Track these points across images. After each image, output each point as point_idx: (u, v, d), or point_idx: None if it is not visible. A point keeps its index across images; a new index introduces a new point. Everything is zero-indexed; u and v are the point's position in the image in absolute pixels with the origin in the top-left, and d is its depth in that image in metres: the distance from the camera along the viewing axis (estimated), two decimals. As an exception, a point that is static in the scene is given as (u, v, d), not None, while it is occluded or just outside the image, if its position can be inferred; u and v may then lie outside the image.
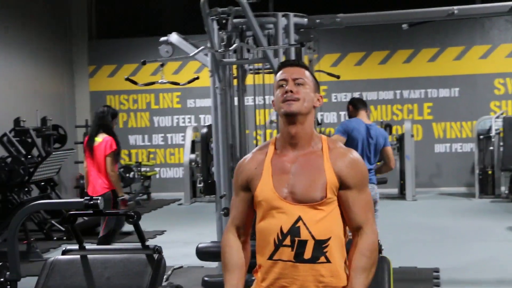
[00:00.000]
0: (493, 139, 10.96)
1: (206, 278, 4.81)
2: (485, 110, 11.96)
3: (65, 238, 8.14)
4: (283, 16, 5.45)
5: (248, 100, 6.32)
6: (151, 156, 13.18)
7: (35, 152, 9.24)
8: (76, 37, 13.38)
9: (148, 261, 2.89)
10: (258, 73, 6.21)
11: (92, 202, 2.90)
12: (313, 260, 2.27)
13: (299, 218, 2.27)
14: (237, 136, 5.82)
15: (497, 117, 11.22)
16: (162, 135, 13.34)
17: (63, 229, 8.28)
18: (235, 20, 5.26)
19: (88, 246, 3.06)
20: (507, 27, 12.11)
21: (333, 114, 12.73)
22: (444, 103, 12.36)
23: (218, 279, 4.83)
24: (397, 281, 5.69)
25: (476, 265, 6.41)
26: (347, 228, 2.39)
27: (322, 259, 2.28)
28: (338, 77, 6.90)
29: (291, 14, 5.49)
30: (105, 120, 6.06)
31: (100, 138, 5.97)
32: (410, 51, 12.48)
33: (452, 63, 12.32)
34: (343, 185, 2.32)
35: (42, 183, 9.10)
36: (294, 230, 2.27)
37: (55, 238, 8.27)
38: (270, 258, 2.30)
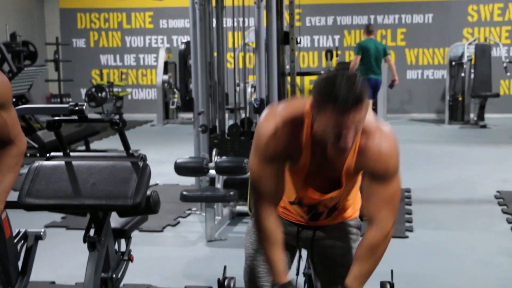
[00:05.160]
0: (464, 66, 11.05)
1: (184, 193, 4.87)
2: (458, 36, 12.00)
3: (38, 155, 8.09)
4: None
5: (227, 22, 6.23)
6: (123, 76, 13.02)
7: (5, 67, 9.05)
8: (45, -49, 12.95)
9: (134, 168, 2.88)
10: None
11: (77, 108, 2.87)
12: (328, 215, 2.38)
13: (319, 203, 2.29)
14: (215, 54, 5.78)
15: (469, 44, 11.28)
16: (134, 55, 13.15)
17: (35, 145, 8.22)
18: None
19: (72, 153, 3.04)
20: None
21: (307, 38, 12.63)
22: (418, 29, 12.35)
23: (196, 194, 4.90)
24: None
25: (445, 185, 6.59)
26: None
27: (336, 211, 2.38)
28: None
29: None
30: None
31: None
32: (386, -25, 12.36)
33: (427, -12, 12.25)
34: (364, 173, 2.19)
35: (14, 99, 8.92)
36: (313, 207, 2.32)
37: (28, 154, 8.22)
38: (291, 203, 2.37)
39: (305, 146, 2.12)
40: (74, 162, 2.93)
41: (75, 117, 2.98)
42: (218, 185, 4.98)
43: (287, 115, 2.13)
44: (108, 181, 2.85)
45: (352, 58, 10.36)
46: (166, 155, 8.11)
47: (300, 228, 2.42)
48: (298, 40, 5.87)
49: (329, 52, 11.67)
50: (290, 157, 2.16)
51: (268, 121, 2.14)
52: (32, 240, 2.98)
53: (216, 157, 5.07)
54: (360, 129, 1.97)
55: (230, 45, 6.64)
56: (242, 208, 5.38)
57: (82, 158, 2.99)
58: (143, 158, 2.92)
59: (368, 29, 9.46)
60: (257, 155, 2.17)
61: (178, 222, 5.38)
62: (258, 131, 2.17)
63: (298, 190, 2.28)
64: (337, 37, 12.52)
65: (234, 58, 7.45)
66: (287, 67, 5.89)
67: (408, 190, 6.23)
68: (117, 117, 11.92)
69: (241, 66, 6.38)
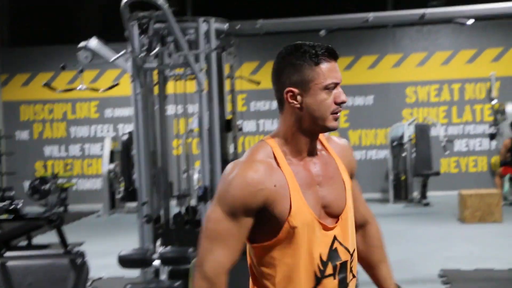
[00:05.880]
0: (405, 146, 11.34)
1: (129, 286, 4.75)
2: (398, 117, 12.37)
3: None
4: (204, 21, 5.48)
5: (170, 110, 6.29)
6: (68, 167, 12.86)
7: None
8: (-13, 45, 12.96)
9: (71, 266, 2.82)
10: (179, 79, 6.20)
11: (11, 207, 2.82)
12: (353, 278, 1.92)
13: (334, 239, 1.86)
14: (159, 143, 5.80)
15: (409, 124, 11.62)
16: (79, 145, 13.05)
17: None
18: (156, 25, 5.24)
19: (7, 253, 2.96)
20: (418, 37, 12.58)
21: (252, 122, 12.82)
22: (359, 110, 12.69)
23: (141, 286, 4.78)
24: None
25: (391, 266, 6.60)
26: None
27: (353, 274, 1.93)
28: (258, 83, 6.97)
29: (212, 19, 5.53)
30: None
31: None
32: (326, 60, 12.74)
33: (367, 71, 12.68)
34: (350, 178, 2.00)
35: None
36: (333, 254, 1.85)
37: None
38: None
39: (285, 171, 1.82)
40: (9, 263, 2.85)
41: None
42: (163, 276, 4.88)
43: (253, 154, 1.84)
44: (45, 281, 2.77)
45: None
46: (112, 246, 7.94)
47: None
48: (240, 127, 5.96)
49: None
50: (277, 202, 1.79)
51: (236, 166, 1.82)
52: None
53: (160, 248, 4.99)
54: None
55: (176, 131, 6.69)
56: (189, 298, 5.26)
57: (17, 258, 2.91)
58: (81, 255, 2.86)
59: None
60: (221, 205, 1.79)
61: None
62: (225, 180, 1.81)
63: (323, 240, 1.84)
64: (281, 121, 12.74)
65: (180, 145, 7.47)
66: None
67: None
68: (61, 209, 11.70)
69: (188, 152, 6.40)
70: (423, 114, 12.54)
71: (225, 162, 5.75)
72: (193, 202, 6.37)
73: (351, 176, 1.99)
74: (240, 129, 5.87)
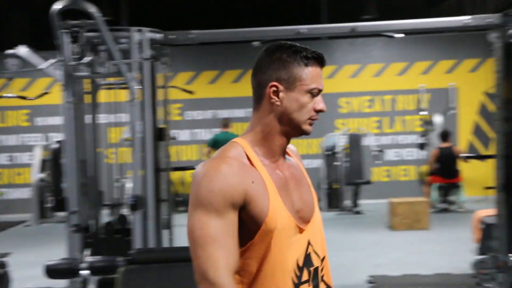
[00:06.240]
0: (338, 155, 11.55)
1: (57, 297, 4.68)
2: (331, 127, 12.60)
3: None
4: (137, 30, 5.46)
5: (103, 118, 6.24)
6: (-4, 176, 12.55)
7: None
8: None
9: (-5, 277, 2.76)
10: (111, 88, 6.16)
11: None
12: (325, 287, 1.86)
13: (308, 243, 1.80)
14: (89, 152, 5.74)
15: (342, 134, 11.85)
16: (8, 154, 12.74)
17: None
18: (88, 34, 5.20)
19: None
20: (350, 49, 12.87)
21: (186, 132, 12.81)
22: (294, 121, 12.83)
23: (70, 297, 4.71)
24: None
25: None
26: None
27: (326, 282, 1.86)
28: (192, 92, 6.99)
29: (145, 29, 5.52)
30: None
31: None
32: (261, 70, 12.87)
33: (301, 82, 12.85)
34: None
35: None
36: (308, 260, 1.79)
37: None
38: None
39: (260, 170, 1.74)
40: None
41: None
42: (91, 286, 4.83)
43: (222, 154, 1.75)
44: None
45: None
46: (40, 256, 7.78)
47: None
48: (173, 136, 5.95)
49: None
50: (255, 200, 1.70)
51: (210, 164, 1.71)
52: None
53: (88, 257, 4.93)
54: None
55: (110, 140, 6.63)
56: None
57: None
58: (2, 265, 2.81)
59: (224, 123, 10.50)
60: (201, 207, 1.66)
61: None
62: (197, 181, 1.69)
63: (297, 241, 1.77)
64: (216, 130, 12.77)
65: (112, 153, 7.41)
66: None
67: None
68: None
69: (121, 161, 6.36)
70: (355, 124, 12.81)
71: (157, 170, 5.74)
72: (125, 211, 6.33)
73: None
74: (173, 138, 5.87)
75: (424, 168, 12.03)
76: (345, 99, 12.91)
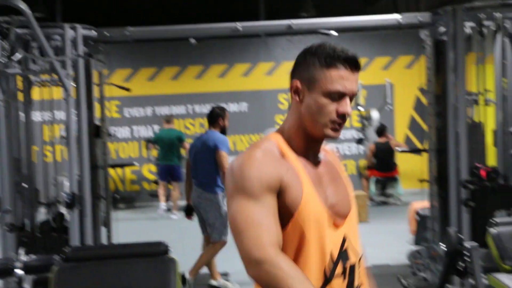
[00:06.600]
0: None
1: (-10, 298, 4.59)
2: (271, 123, 12.70)
3: None
4: (70, 27, 5.40)
5: (38, 116, 6.14)
6: None
7: None
8: None
9: None
10: (46, 85, 6.06)
11: None
12: (359, 287, 1.85)
13: (345, 239, 1.81)
14: (24, 150, 5.64)
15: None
16: None
17: None
18: (19, 30, 5.11)
19: None
20: (289, 46, 12.99)
21: (126, 129, 12.71)
22: (234, 117, 12.88)
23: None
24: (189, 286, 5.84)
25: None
26: None
27: (361, 281, 1.88)
28: (129, 90, 6.95)
29: (79, 25, 5.46)
30: None
31: None
32: (200, 67, 12.90)
33: (240, 79, 12.94)
34: None
35: None
36: (343, 255, 1.79)
37: None
38: None
39: (293, 162, 1.76)
40: None
41: None
42: (26, 285, 4.76)
43: (256, 146, 1.77)
44: None
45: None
46: (-24, 258, 7.60)
47: None
48: (111, 133, 5.91)
49: (149, 142, 11.81)
50: (290, 188, 1.72)
51: (244, 155, 1.74)
52: None
53: (23, 256, 4.86)
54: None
55: (45, 138, 6.53)
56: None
57: None
58: None
59: (166, 119, 10.80)
60: (239, 194, 1.68)
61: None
62: (234, 171, 1.72)
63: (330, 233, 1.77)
64: (156, 127, 12.72)
65: (48, 151, 7.30)
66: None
67: (226, 274, 6.35)
68: None
69: (59, 159, 6.27)
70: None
71: (94, 168, 5.70)
72: (62, 209, 6.24)
73: None
74: (110, 135, 5.83)
75: (362, 162, 12.26)
76: (285, 95, 13.03)
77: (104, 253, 3.47)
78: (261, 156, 1.71)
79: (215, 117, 6.06)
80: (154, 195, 11.54)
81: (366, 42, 12.93)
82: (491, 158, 5.54)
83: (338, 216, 1.79)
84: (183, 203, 11.53)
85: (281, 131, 1.83)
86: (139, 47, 12.00)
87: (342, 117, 1.74)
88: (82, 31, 5.51)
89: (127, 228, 8.99)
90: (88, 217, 5.45)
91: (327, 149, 1.94)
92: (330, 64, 1.73)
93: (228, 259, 6.08)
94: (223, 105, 12.97)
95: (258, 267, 1.60)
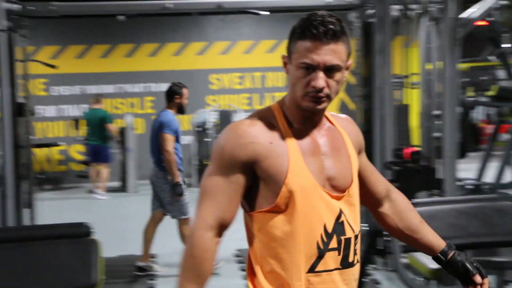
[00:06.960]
0: (209, 131, 11.61)
1: None
2: (202, 103, 12.64)
3: None
4: (-9, 0, 5.20)
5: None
6: None
7: None
8: None
9: None
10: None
11: None
12: (353, 263, 1.81)
13: (341, 212, 1.77)
14: None
15: (214, 111, 11.92)
16: None
17: None
18: None
19: None
20: (221, 25, 12.92)
21: (52, 108, 12.39)
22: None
23: None
24: (115, 267, 5.79)
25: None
26: None
27: (357, 258, 1.83)
28: (54, 67, 6.76)
29: (0, -1, 5.26)
30: None
31: None
32: (131, 45, 12.67)
33: (171, 58, 12.79)
34: (359, 154, 1.92)
35: None
36: (339, 228, 1.76)
37: None
38: (311, 271, 1.74)
39: (286, 133, 1.76)
40: None
41: None
42: None
43: (254, 114, 1.81)
44: None
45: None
46: None
47: None
48: (33, 111, 5.75)
49: (76, 121, 11.55)
50: (269, 159, 1.72)
51: (233, 124, 1.78)
52: None
53: None
54: (337, 89, 1.73)
55: None
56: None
57: None
58: None
59: (95, 99, 10.81)
60: (213, 160, 1.76)
61: None
62: (219, 137, 1.78)
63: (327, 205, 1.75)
64: (84, 106, 12.46)
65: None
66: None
67: (153, 256, 6.31)
68: None
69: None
70: (226, 100, 12.92)
71: (17, 147, 5.52)
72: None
73: (360, 151, 1.92)
74: (33, 114, 5.66)
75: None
76: (216, 76, 12.97)
77: (23, 234, 3.36)
78: (245, 127, 1.73)
79: (171, 95, 5.96)
80: (82, 176, 11.31)
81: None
82: (416, 140, 5.67)
83: (335, 189, 1.78)
84: (111, 184, 11.50)
85: (282, 101, 1.83)
86: (68, 23, 11.67)
87: (317, 90, 1.69)
88: (4, 4, 5.31)
89: (53, 209, 8.81)
90: (10, 198, 5.29)
91: (342, 117, 1.93)
92: (300, 36, 1.70)
93: (156, 242, 6.07)
94: (153, 85, 12.92)
95: (189, 236, 1.76)
